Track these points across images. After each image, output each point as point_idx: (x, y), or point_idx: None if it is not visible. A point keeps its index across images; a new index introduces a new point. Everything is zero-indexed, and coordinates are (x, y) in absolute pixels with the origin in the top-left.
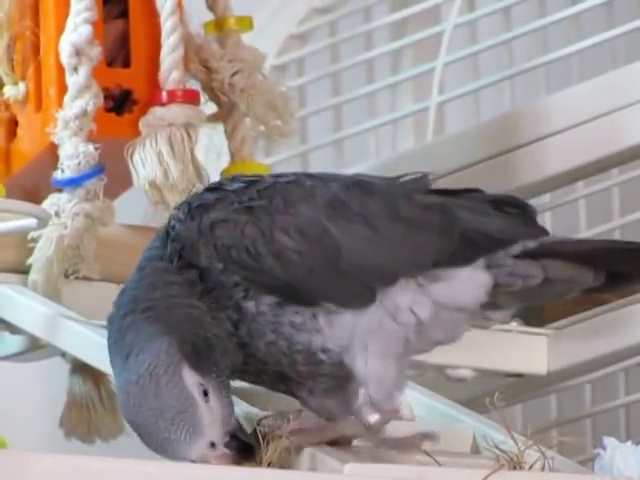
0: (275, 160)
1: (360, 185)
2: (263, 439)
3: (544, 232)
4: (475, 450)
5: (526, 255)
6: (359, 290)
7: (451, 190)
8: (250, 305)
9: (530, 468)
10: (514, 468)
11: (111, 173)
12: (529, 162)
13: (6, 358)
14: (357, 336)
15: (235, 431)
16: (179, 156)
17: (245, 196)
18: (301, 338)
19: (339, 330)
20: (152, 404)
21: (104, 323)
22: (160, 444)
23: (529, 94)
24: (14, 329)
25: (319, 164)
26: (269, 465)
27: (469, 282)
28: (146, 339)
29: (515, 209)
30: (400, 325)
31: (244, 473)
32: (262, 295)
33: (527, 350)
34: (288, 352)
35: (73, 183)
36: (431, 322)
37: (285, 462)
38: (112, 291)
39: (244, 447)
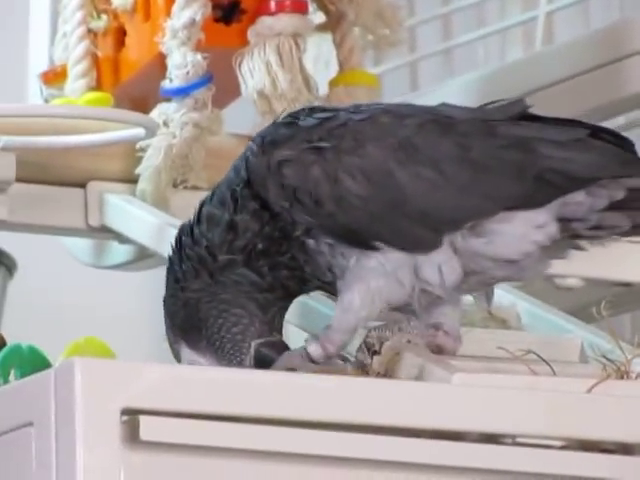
0: (384, 69)
1: (437, 123)
2: (370, 350)
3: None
4: (583, 359)
5: (612, 207)
6: (424, 234)
7: (547, 119)
8: (311, 242)
9: (637, 377)
10: (621, 377)
11: (219, 83)
12: (638, 71)
13: (114, 267)
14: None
15: None
16: (287, 65)
17: (316, 135)
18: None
19: None
20: None
21: None
22: None
23: (638, 3)
24: (122, 238)
25: (428, 73)
26: (377, 375)
27: (518, 238)
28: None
29: (612, 141)
30: (419, 281)
31: (354, 383)
32: (321, 235)
33: (636, 259)
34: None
35: (181, 92)
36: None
37: (392, 372)
38: None
39: None
